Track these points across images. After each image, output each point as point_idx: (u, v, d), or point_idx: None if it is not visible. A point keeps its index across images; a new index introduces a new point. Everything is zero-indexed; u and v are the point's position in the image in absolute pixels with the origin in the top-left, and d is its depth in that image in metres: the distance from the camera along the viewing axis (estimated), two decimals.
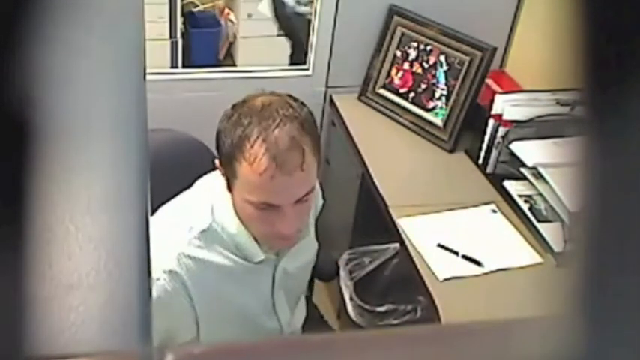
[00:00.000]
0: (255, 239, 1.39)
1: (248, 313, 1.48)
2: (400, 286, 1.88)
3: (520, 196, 1.94)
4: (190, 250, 1.36)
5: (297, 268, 1.53)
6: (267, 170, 1.23)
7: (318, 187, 1.52)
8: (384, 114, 2.31)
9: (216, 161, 1.35)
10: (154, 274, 1.34)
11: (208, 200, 1.40)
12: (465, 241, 1.80)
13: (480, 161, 2.08)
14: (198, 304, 1.38)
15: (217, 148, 1.33)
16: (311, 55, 2.30)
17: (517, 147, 1.96)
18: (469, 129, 2.14)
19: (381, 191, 1.97)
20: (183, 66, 2.23)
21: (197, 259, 1.36)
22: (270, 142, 1.23)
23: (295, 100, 1.34)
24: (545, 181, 1.86)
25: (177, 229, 1.38)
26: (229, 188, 1.33)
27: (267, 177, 1.24)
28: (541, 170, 1.88)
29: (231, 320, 1.47)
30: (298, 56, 2.28)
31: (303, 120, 1.28)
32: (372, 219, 1.73)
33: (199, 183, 1.47)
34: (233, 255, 1.39)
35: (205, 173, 1.51)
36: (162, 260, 1.34)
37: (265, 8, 2.19)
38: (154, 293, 1.34)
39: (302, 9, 2.21)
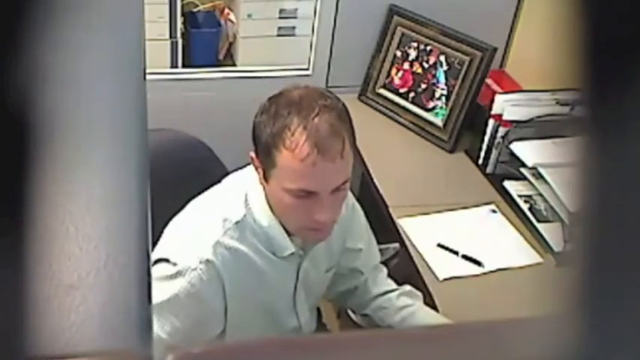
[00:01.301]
0: (287, 232, 1.40)
1: (270, 309, 1.49)
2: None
3: (520, 196, 1.94)
4: (226, 240, 1.37)
5: (319, 272, 1.53)
6: (309, 156, 1.25)
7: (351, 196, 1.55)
8: (384, 114, 2.31)
9: (251, 154, 1.37)
10: (189, 262, 1.35)
11: (242, 193, 1.41)
12: (464, 241, 1.80)
13: (480, 161, 2.08)
14: (229, 296, 1.39)
15: (254, 139, 1.35)
16: (311, 55, 2.30)
17: (517, 147, 1.96)
18: (469, 129, 2.14)
19: (381, 191, 1.97)
20: (183, 66, 2.23)
21: (232, 249, 1.37)
22: (311, 130, 1.25)
23: (330, 92, 1.37)
24: (545, 181, 1.86)
25: (212, 219, 1.39)
26: (266, 179, 1.35)
27: (309, 163, 1.26)
28: (541, 170, 1.88)
29: (255, 316, 1.47)
30: None
31: (340, 110, 1.31)
32: (372, 219, 1.73)
33: (230, 177, 1.49)
34: (263, 248, 1.40)
35: (206, 172, 1.51)
36: (199, 249, 1.35)
37: None
38: (189, 282, 1.34)
39: None
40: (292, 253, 1.42)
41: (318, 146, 1.25)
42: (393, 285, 1.65)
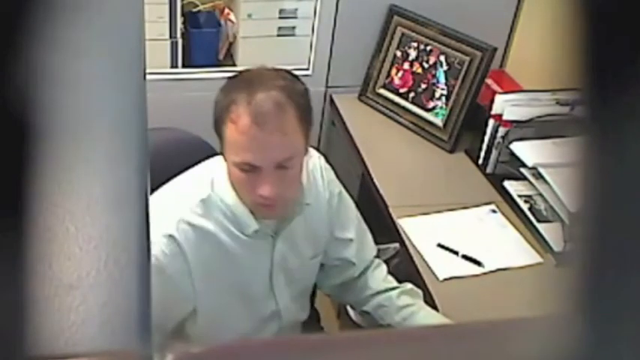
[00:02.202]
0: (252, 211, 1.42)
1: (246, 291, 1.50)
2: None
3: (520, 196, 1.94)
4: (190, 217, 1.40)
5: (300, 257, 1.54)
6: (249, 129, 1.29)
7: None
8: (384, 114, 2.31)
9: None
10: (152, 238, 1.36)
11: (209, 174, 1.44)
12: (465, 241, 1.80)
13: (480, 161, 2.08)
14: (195, 272, 1.40)
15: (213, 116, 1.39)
16: (311, 55, 2.30)
17: (517, 147, 1.96)
18: (469, 129, 2.14)
19: (381, 191, 1.97)
20: (183, 66, 2.23)
21: (196, 227, 1.40)
22: (253, 104, 1.29)
23: (294, 76, 1.39)
24: (545, 181, 1.86)
25: (177, 197, 1.43)
26: (224, 156, 1.39)
27: (249, 136, 1.29)
28: (541, 170, 1.88)
29: (229, 298, 1.48)
30: None
31: (292, 90, 1.34)
32: (372, 219, 1.73)
33: (201, 163, 1.52)
34: (231, 227, 1.42)
35: None
36: (162, 225, 1.38)
37: None
38: (152, 255, 1.36)
39: None
40: (257, 231, 1.43)
41: (257, 119, 1.28)
42: (393, 282, 1.65)
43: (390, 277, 1.67)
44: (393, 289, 1.64)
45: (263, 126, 1.29)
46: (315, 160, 1.57)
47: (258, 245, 1.46)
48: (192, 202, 1.40)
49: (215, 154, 1.50)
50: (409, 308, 1.61)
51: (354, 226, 1.63)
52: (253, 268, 1.49)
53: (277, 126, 1.30)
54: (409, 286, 1.65)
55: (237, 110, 1.30)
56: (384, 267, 1.69)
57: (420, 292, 1.65)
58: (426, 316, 1.58)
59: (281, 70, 1.40)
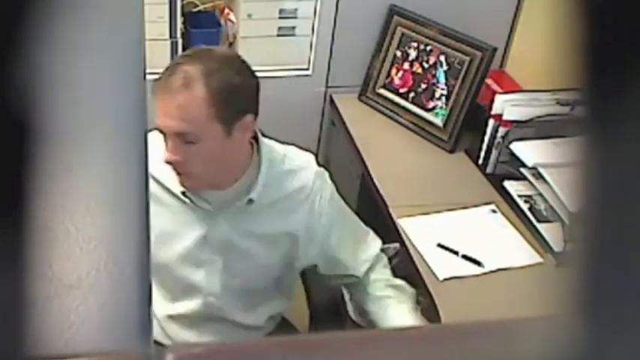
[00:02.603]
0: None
1: (170, 242, 1.52)
2: None
3: (520, 196, 1.94)
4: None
5: (248, 255, 1.53)
6: (158, 95, 1.38)
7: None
8: (384, 114, 2.31)
9: None
10: None
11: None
12: (464, 241, 1.80)
13: (480, 161, 2.08)
14: None
15: None
16: (311, 55, 2.30)
17: (517, 147, 1.96)
18: (469, 129, 2.14)
19: (381, 191, 1.97)
20: None
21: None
22: (168, 73, 1.38)
23: (247, 70, 1.43)
24: (545, 181, 1.86)
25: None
26: None
27: (157, 101, 1.38)
28: (541, 170, 1.88)
29: (155, 245, 1.50)
30: None
31: (216, 77, 1.37)
32: (372, 219, 1.73)
33: None
34: (162, 178, 1.48)
35: None
36: None
37: None
38: None
39: None
40: (185, 194, 1.48)
41: (159, 83, 1.38)
42: (389, 275, 1.65)
43: (388, 271, 1.67)
44: (386, 280, 1.64)
45: (166, 95, 1.36)
46: (308, 174, 1.56)
47: (190, 209, 1.50)
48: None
49: None
50: (386, 300, 1.61)
51: (349, 243, 1.62)
52: (181, 229, 1.52)
53: (179, 99, 1.36)
54: (400, 282, 1.65)
55: (161, 76, 1.39)
56: (384, 259, 1.68)
57: (410, 290, 1.65)
58: (395, 315, 1.58)
59: (237, 59, 1.45)
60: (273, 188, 1.51)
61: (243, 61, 1.44)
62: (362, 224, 1.69)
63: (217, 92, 1.37)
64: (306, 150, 1.64)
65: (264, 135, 1.55)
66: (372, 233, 1.69)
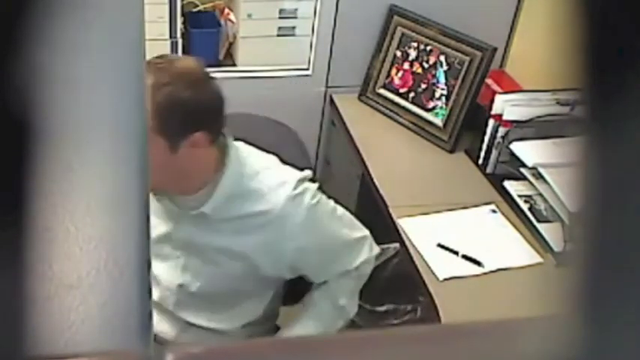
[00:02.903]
0: None
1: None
2: (400, 286, 1.88)
3: (520, 196, 1.94)
4: None
5: (211, 262, 1.51)
6: None
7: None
8: (384, 114, 2.31)
9: None
10: None
11: None
12: (464, 241, 1.80)
13: (480, 161, 2.08)
14: None
15: None
16: (311, 55, 2.30)
17: (517, 147, 1.96)
18: (469, 129, 2.14)
19: (381, 191, 1.97)
20: None
21: None
22: None
23: (203, 81, 1.38)
24: (545, 181, 1.86)
25: None
26: None
27: None
28: (541, 170, 1.88)
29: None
30: None
31: (163, 88, 1.32)
32: (372, 219, 1.73)
33: None
34: None
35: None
36: None
37: None
38: None
39: None
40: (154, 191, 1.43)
41: None
42: (343, 290, 1.61)
43: (347, 289, 1.61)
44: (332, 290, 1.60)
45: None
46: (277, 199, 1.45)
47: (161, 204, 1.48)
48: None
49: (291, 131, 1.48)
50: (302, 312, 1.61)
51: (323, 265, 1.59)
52: (151, 218, 1.51)
53: None
54: (343, 303, 1.60)
55: None
56: (352, 276, 1.62)
57: (345, 316, 1.61)
58: (301, 325, 1.59)
59: (195, 73, 1.38)
60: (232, 205, 1.46)
61: (205, 76, 1.38)
62: (348, 238, 1.59)
63: (162, 106, 1.32)
64: (306, 150, 1.63)
65: (249, 143, 1.50)
66: (358, 245, 1.60)
